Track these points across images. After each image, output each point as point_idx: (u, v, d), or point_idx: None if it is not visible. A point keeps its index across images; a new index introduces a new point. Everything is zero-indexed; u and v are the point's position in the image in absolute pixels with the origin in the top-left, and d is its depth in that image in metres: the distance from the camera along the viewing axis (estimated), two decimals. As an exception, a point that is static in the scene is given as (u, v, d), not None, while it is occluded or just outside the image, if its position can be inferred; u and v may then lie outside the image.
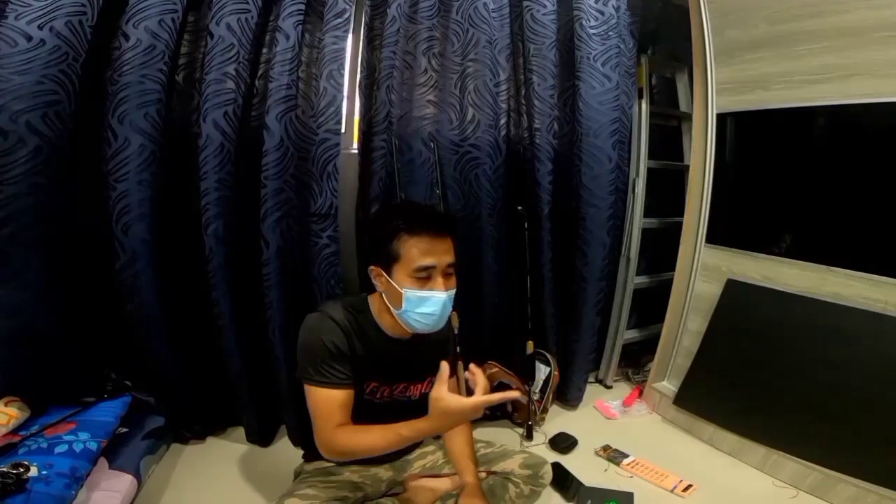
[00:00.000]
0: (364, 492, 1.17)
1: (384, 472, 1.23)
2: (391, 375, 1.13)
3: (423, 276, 1.02)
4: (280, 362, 1.54)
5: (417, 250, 1.01)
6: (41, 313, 1.27)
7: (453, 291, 1.06)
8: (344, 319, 1.06)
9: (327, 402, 1.02)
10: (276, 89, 1.45)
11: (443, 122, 1.76)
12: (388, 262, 1.03)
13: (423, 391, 1.19)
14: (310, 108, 1.55)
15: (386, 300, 1.08)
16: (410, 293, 1.02)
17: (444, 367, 0.96)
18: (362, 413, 1.10)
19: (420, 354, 1.14)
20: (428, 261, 1.01)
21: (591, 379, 2.11)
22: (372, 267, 1.08)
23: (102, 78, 1.33)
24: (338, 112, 1.53)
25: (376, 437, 0.99)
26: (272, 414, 1.66)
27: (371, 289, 1.15)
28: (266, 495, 1.37)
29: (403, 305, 1.03)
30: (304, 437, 1.09)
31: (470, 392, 0.98)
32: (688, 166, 1.89)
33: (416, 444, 1.31)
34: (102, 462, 1.26)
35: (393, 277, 1.03)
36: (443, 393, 0.94)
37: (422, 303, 1.03)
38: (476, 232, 1.79)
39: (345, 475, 1.18)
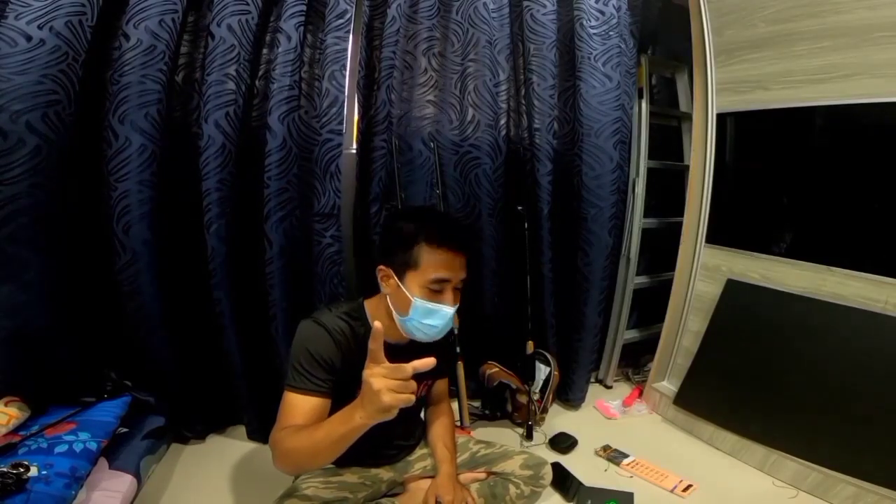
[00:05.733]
0: (364, 493, 1.17)
1: (385, 473, 1.23)
2: None
3: (436, 289, 1.02)
4: (282, 360, 1.55)
5: (436, 262, 1.01)
6: (41, 313, 1.27)
7: (457, 306, 1.07)
8: (337, 328, 1.04)
9: (291, 405, 0.98)
10: (279, 90, 1.46)
11: (443, 122, 1.76)
12: (403, 267, 1.02)
13: (419, 395, 1.19)
14: (312, 108, 1.56)
15: (389, 303, 1.07)
16: (420, 303, 1.01)
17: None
18: None
19: (418, 358, 1.14)
20: (444, 274, 1.01)
21: (591, 379, 2.11)
22: (382, 267, 1.06)
23: (102, 78, 1.33)
24: (340, 112, 1.53)
25: (310, 435, 0.88)
26: (273, 411, 1.66)
27: (368, 292, 1.14)
28: (266, 495, 1.36)
29: (410, 313, 1.03)
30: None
31: None
32: (688, 166, 1.89)
33: (416, 445, 1.31)
34: (102, 462, 1.26)
35: (404, 283, 1.02)
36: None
37: (429, 314, 1.03)
38: (476, 232, 1.79)
39: (345, 476, 1.17)
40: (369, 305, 1.12)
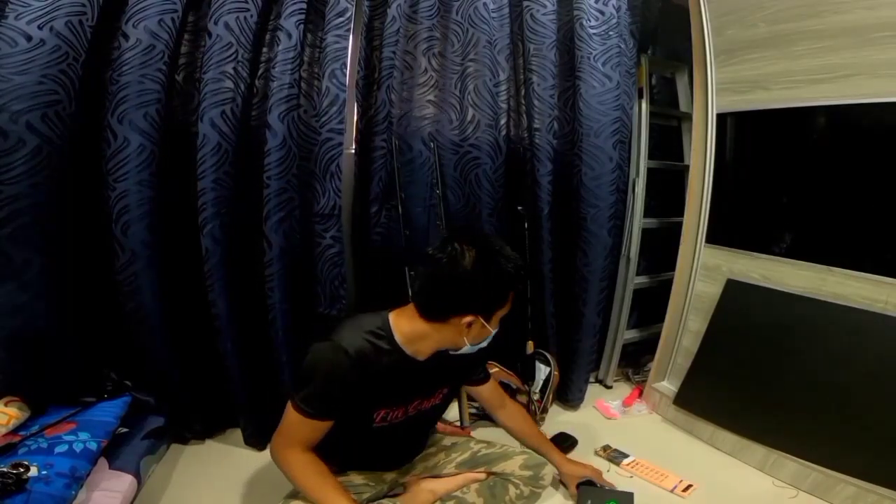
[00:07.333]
0: (367, 493, 1.17)
1: (388, 474, 1.23)
2: (408, 395, 1.12)
3: None
4: (283, 364, 1.54)
5: (510, 298, 1.08)
6: (41, 313, 1.27)
7: None
8: (361, 351, 1.00)
9: (294, 423, 1.02)
10: (279, 88, 1.45)
11: (443, 122, 1.76)
12: (493, 309, 1.05)
13: (434, 403, 1.19)
14: (312, 107, 1.55)
15: (466, 339, 1.05)
16: (495, 331, 1.10)
17: None
18: (376, 442, 1.12)
19: (438, 369, 1.13)
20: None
21: (591, 379, 2.11)
22: (471, 317, 1.02)
23: (102, 78, 1.33)
24: (340, 112, 1.53)
25: (315, 487, 1.01)
26: (272, 416, 1.64)
27: (393, 304, 1.11)
28: (267, 496, 1.37)
29: (487, 342, 1.11)
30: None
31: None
32: (688, 166, 1.89)
33: (423, 449, 1.31)
34: (102, 462, 1.25)
35: (490, 322, 1.06)
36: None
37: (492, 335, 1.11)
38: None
39: (350, 476, 1.17)
40: (396, 320, 1.06)
